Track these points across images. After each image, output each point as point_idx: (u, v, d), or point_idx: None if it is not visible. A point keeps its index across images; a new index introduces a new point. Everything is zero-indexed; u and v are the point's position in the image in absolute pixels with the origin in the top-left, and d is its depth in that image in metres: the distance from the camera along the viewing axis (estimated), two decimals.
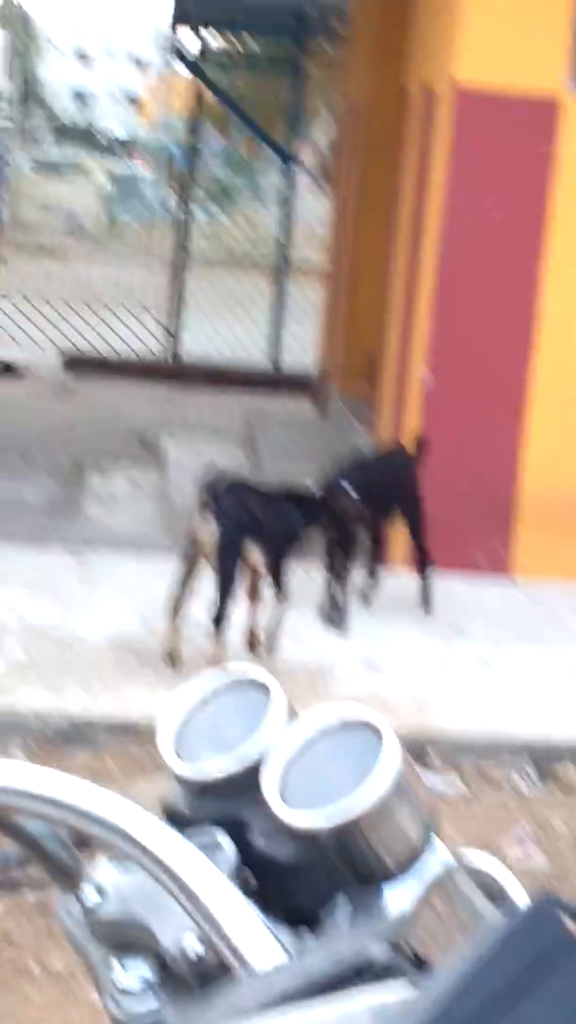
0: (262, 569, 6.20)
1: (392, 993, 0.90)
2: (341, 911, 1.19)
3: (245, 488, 6.30)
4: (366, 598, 7.05)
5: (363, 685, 6.08)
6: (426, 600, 7.04)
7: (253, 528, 6.07)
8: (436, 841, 1.17)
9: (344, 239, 11.90)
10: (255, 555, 6.13)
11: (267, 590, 6.27)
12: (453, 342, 7.75)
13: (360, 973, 0.94)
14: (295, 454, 9.51)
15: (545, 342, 7.74)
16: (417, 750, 5.65)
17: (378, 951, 0.96)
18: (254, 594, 6.29)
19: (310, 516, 6.33)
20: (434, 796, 1.19)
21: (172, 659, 6.08)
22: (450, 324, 7.73)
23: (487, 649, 6.67)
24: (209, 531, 5.96)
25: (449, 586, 7.51)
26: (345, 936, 1.04)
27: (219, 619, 6.03)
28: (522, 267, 7.69)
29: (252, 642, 6.29)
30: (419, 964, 0.94)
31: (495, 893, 0.93)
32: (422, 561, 7.07)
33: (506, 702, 6.05)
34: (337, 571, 6.73)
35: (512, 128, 7.56)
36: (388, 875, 1.14)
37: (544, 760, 5.69)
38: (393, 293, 8.90)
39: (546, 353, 7.75)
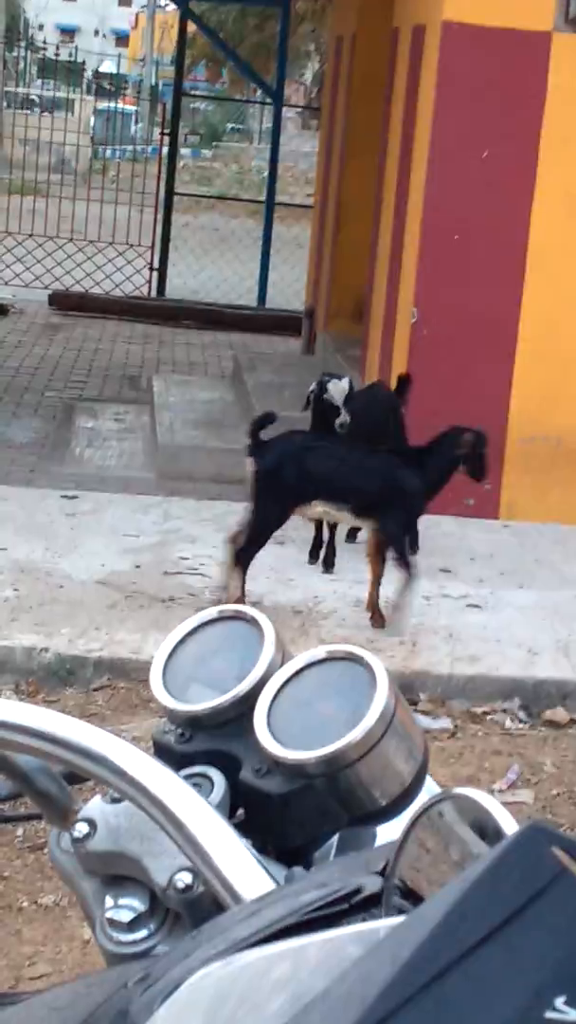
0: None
1: (380, 922, 0.91)
2: (333, 847, 1.20)
3: (313, 438, 6.25)
4: (354, 538, 7.06)
5: (352, 625, 6.10)
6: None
7: (322, 482, 6.00)
8: (427, 778, 1.18)
9: (332, 178, 11.84)
10: (319, 509, 6.09)
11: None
12: (441, 280, 7.72)
13: (349, 903, 0.95)
14: (283, 392, 9.49)
15: (533, 280, 7.72)
16: (406, 691, 5.68)
17: (367, 881, 0.97)
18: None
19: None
20: (424, 734, 1.20)
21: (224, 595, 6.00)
22: (438, 262, 7.71)
23: (476, 590, 6.69)
24: (251, 472, 5.97)
25: (438, 527, 7.53)
26: (335, 867, 1.05)
27: (237, 558, 6.02)
28: (511, 203, 7.65)
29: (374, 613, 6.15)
30: (408, 895, 0.94)
31: (486, 828, 0.94)
32: None
33: (494, 642, 6.07)
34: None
35: (499, 63, 7.51)
36: (379, 812, 1.15)
37: (533, 700, 5.72)
38: (380, 231, 8.86)
39: (534, 292, 7.73)
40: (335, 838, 1.18)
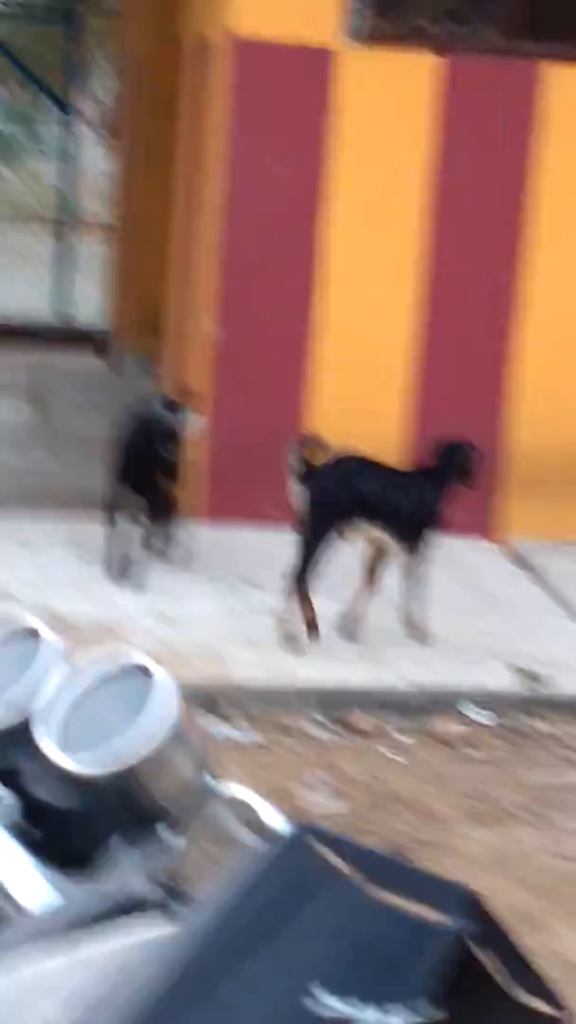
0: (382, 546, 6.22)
1: (156, 928, 0.91)
2: (118, 852, 1.20)
3: (358, 462, 6.26)
4: (155, 550, 7.04)
5: (156, 638, 6.08)
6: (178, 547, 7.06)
7: (366, 504, 6.06)
8: (208, 780, 1.18)
9: (128, 192, 11.81)
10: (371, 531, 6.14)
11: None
12: (238, 295, 7.76)
13: (127, 910, 0.95)
14: (86, 409, 9.43)
15: (328, 291, 7.80)
16: (210, 701, 5.68)
17: (143, 888, 0.97)
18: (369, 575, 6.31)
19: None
20: (207, 736, 1.20)
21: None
22: (234, 277, 7.74)
23: (278, 599, 6.72)
24: (296, 496, 6.08)
25: (241, 538, 7.55)
26: (117, 876, 1.05)
27: (294, 588, 6.08)
28: (303, 216, 7.72)
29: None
30: (188, 900, 0.95)
31: (261, 829, 0.95)
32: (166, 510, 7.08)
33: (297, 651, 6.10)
34: (138, 525, 6.74)
35: (288, 78, 7.58)
36: (163, 815, 1.15)
37: (335, 707, 5.77)
38: (178, 247, 8.87)
39: (329, 303, 7.81)
40: (116, 838, 1.18)
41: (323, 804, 4.98)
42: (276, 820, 0.94)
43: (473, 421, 7.77)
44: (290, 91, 7.59)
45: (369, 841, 4.73)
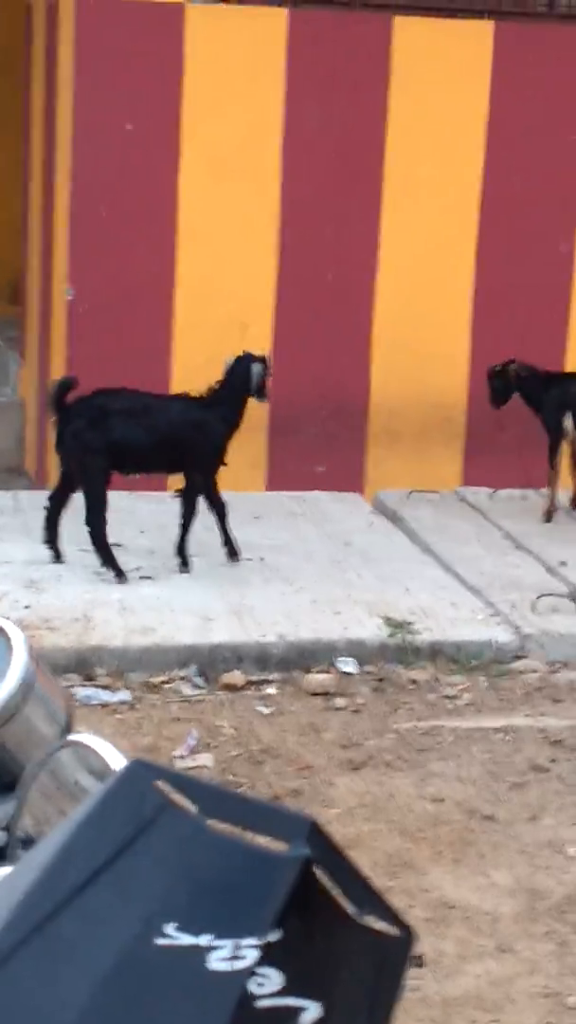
0: None
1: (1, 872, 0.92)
2: None
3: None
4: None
5: (25, 606, 6.05)
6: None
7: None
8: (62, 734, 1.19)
9: None
10: None
11: None
12: (93, 255, 7.70)
13: None
14: None
15: (185, 248, 7.78)
16: (82, 666, 5.67)
17: None
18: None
19: None
20: (68, 696, 1.21)
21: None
22: (89, 237, 7.68)
23: (147, 561, 6.72)
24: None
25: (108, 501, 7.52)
26: None
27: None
28: (157, 174, 7.68)
29: None
30: (29, 844, 0.96)
31: (101, 771, 0.96)
32: None
33: (168, 612, 6.11)
34: None
35: (136, 36, 7.52)
36: (19, 769, 1.16)
37: (209, 666, 5.79)
38: (30, 209, 8.78)
39: (187, 259, 7.79)
40: None
41: (192, 758, 5.00)
42: (114, 758, 0.95)
43: (334, 375, 7.82)
44: (139, 48, 7.54)
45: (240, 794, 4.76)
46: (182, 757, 5.03)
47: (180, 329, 7.84)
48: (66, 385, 6.35)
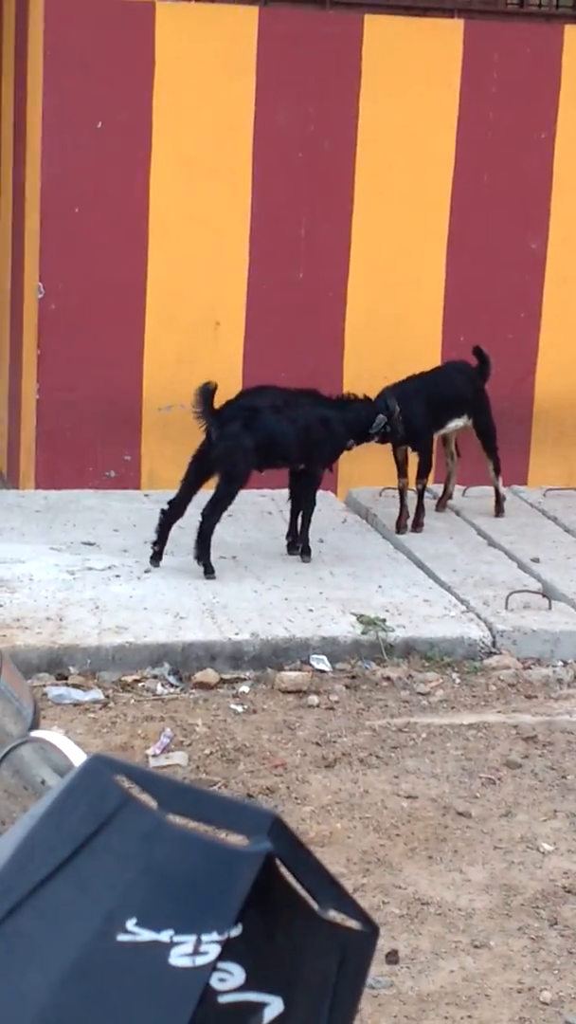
0: None
1: None
2: None
3: None
4: None
5: None
6: None
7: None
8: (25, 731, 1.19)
9: None
10: None
11: None
12: (64, 253, 7.69)
13: None
14: None
15: (156, 247, 7.77)
16: (55, 666, 5.66)
17: None
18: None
19: None
20: (34, 693, 1.20)
21: None
22: (60, 235, 7.66)
23: (120, 560, 6.71)
24: None
25: (78, 501, 7.52)
26: None
27: None
28: (129, 172, 7.67)
29: None
30: None
31: (63, 767, 0.96)
32: None
33: (142, 610, 6.10)
34: None
35: (106, 34, 7.51)
36: None
37: (182, 664, 5.78)
38: (1, 209, 8.76)
39: (158, 259, 7.78)
40: None
41: (166, 757, 5.00)
42: (74, 754, 0.95)
43: (306, 373, 7.82)
44: (109, 46, 7.53)
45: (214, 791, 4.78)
46: (156, 755, 5.02)
47: (152, 327, 7.84)
48: (210, 391, 6.40)
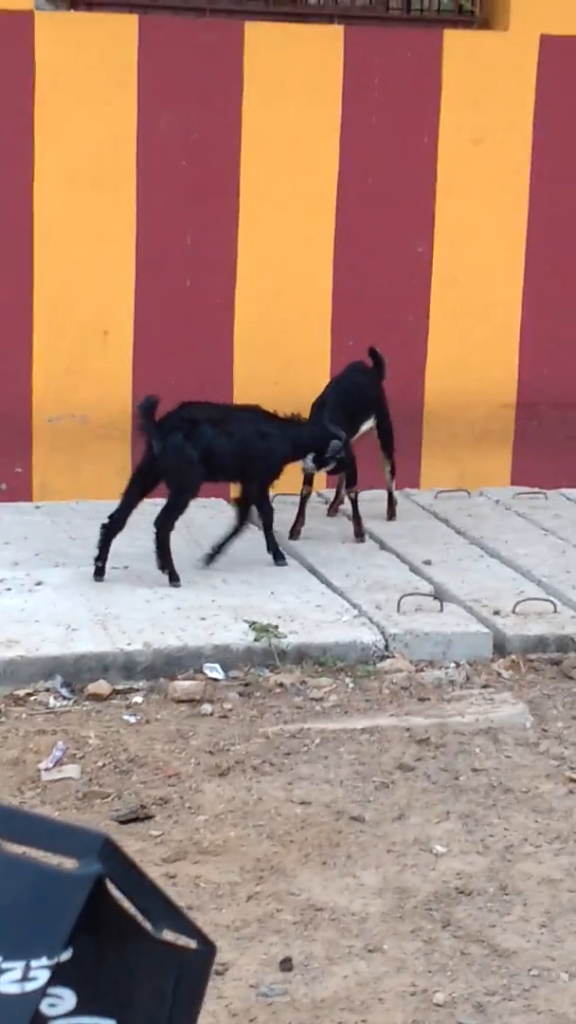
0: None
1: None
2: None
3: None
4: None
5: None
6: None
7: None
8: None
9: None
10: None
11: None
12: None
13: None
14: None
15: (41, 257, 7.73)
16: None
17: None
18: None
19: None
20: None
21: None
22: None
23: (11, 573, 6.66)
24: None
25: None
26: None
27: None
28: (11, 183, 7.62)
29: None
30: None
31: None
32: None
33: (33, 623, 6.06)
34: None
35: None
36: None
37: (75, 676, 5.74)
38: None
39: (43, 269, 7.74)
40: None
41: (58, 771, 4.96)
42: None
43: (195, 380, 7.81)
44: None
45: (107, 803, 4.72)
46: (48, 769, 4.98)
47: (39, 337, 7.79)
48: (152, 405, 6.38)
